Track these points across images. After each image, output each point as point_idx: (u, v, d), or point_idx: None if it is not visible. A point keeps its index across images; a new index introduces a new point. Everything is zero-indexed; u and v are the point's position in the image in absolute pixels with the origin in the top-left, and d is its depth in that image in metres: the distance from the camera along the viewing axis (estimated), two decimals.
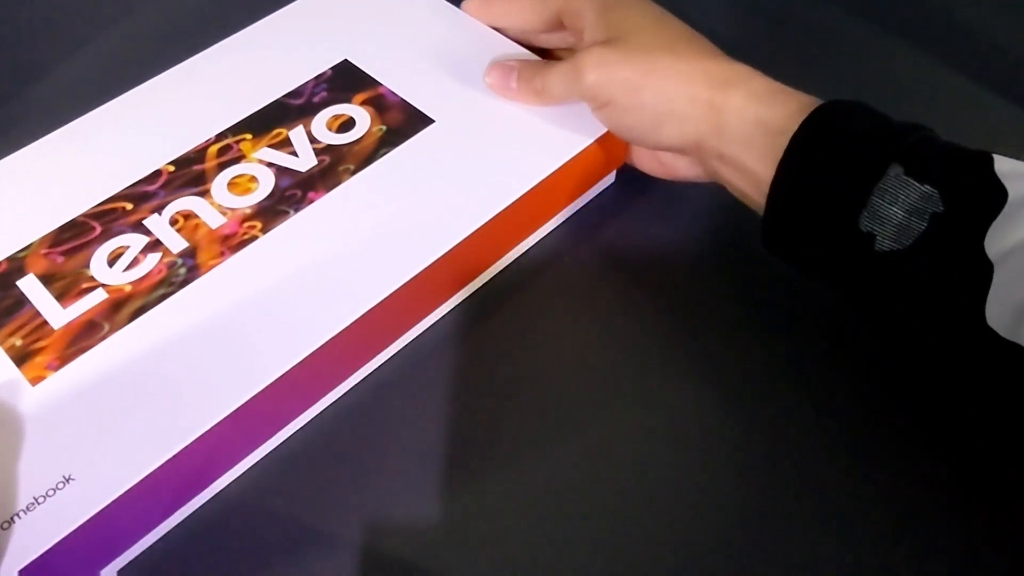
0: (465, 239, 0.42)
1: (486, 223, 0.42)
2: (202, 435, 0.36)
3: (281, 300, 0.40)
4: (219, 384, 0.37)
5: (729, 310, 0.44)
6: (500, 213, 0.43)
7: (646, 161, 0.47)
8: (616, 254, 0.47)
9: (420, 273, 0.40)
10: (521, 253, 0.47)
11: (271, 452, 0.41)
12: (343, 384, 0.42)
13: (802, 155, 0.37)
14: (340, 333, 0.39)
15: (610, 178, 0.50)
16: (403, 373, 0.43)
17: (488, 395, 0.42)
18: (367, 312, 0.39)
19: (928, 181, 0.35)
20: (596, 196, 0.50)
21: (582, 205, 0.49)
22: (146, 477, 0.35)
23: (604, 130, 0.45)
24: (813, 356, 0.43)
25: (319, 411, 0.42)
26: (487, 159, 0.45)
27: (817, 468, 0.40)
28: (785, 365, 0.43)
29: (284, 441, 0.41)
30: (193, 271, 0.41)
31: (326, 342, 0.38)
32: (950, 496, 0.39)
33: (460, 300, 0.45)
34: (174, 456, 0.35)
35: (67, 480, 0.35)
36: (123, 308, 0.40)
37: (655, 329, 0.44)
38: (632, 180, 0.49)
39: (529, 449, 0.40)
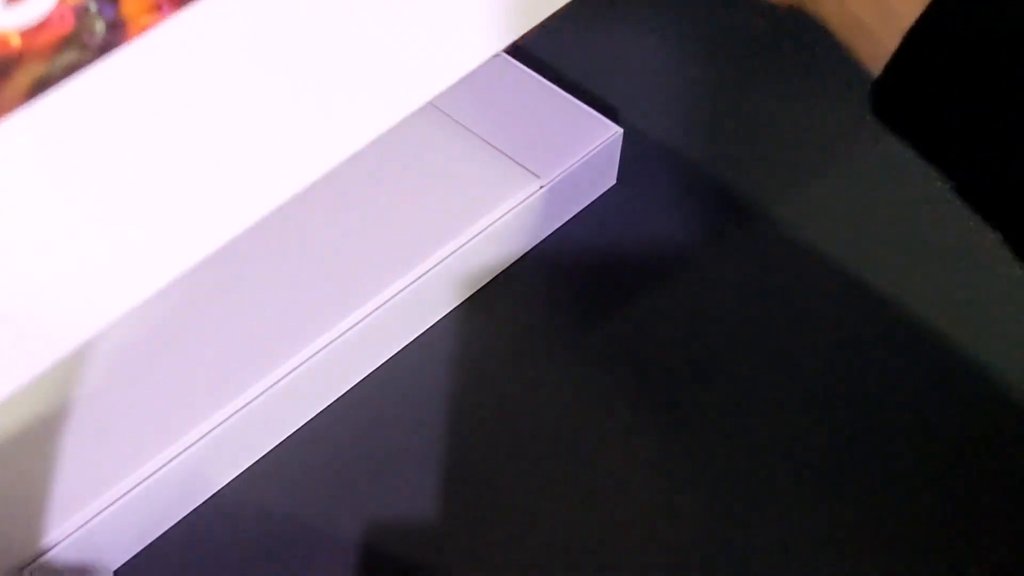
0: None
1: None
2: None
3: (254, 89, 0.27)
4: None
5: (730, 314, 0.44)
6: None
7: None
8: (617, 257, 0.46)
9: None
10: (521, 255, 0.46)
11: (271, 452, 0.40)
12: (342, 384, 0.42)
13: None
14: None
15: (611, 180, 0.49)
16: (403, 374, 0.43)
17: (488, 396, 0.42)
18: None
19: None
20: (597, 198, 0.49)
21: (583, 207, 0.48)
22: None
23: None
24: (815, 359, 0.43)
25: (319, 411, 0.42)
26: None
27: (819, 472, 0.39)
28: (787, 367, 0.42)
29: (284, 441, 0.41)
30: (115, 32, 0.27)
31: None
32: (954, 505, 0.38)
33: (460, 301, 0.45)
34: None
35: None
36: (15, 73, 0.26)
37: (655, 332, 0.44)
38: (633, 183, 0.49)
39: (529, 450, 0.40)
